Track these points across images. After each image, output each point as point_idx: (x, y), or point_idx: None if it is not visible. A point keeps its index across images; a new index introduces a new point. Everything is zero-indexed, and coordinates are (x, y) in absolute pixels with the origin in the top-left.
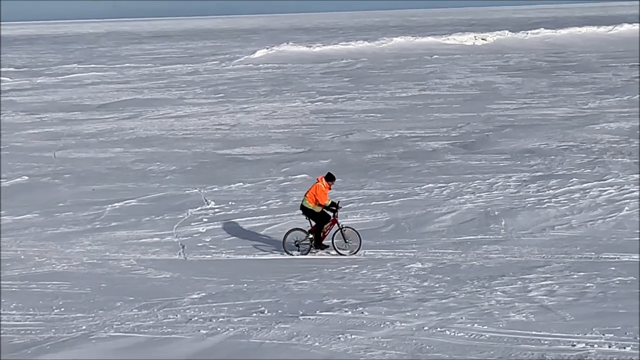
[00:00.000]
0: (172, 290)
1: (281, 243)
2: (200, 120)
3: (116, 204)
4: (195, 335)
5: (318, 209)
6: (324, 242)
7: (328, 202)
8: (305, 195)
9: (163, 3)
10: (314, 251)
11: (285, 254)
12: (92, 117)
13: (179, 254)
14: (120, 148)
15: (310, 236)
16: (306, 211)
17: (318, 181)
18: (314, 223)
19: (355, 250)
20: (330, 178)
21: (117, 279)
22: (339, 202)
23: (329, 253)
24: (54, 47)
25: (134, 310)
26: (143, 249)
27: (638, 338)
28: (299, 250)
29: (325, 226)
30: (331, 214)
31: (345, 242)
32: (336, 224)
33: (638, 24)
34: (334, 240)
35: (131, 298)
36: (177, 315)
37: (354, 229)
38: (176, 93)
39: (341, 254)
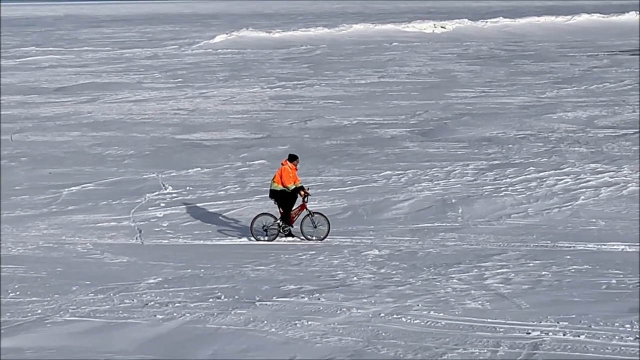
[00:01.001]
0: (128, 275)
1: (248, 228)
2: (158, 104)
3: (73, 188)
4: (151, 320)
5: (288, 190)
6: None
7: (292, 186)
8: (272, 180)
9: None
10: (282, 236)
11: (252, 239)
12: (49, 101)
13: (136, 239)
14: (78, 132)
15: (279, 222)
16: (276, 195)
17: (282, 164)
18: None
19: (324, 235)
20: (292, 158)
21: (73, 263)
22: (308, 187)
23: (292, 238)
24: (11, 30)
25: (90, 295)
26: (100, 233)
27: (592, 326)
28: (266, 236)
29: (294, 211)
30: (300, 198)
31: (315, 227)
32: (305, 209)
33: (596, 15)
34: (303, 227)
35: (87, 282)
36: (133, 300)
37: (322, 214)
38: (134, 77)
39: (308, 239)
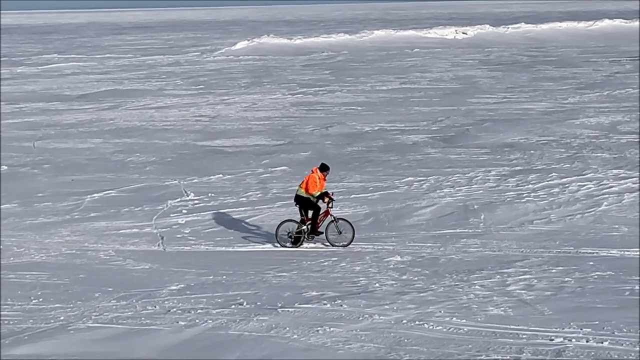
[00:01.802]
0: (150, 282)
1: (273, 234)
2: (180, 111)
3: (95, 195)
4: (173, 327)
5: (314, 200)
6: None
7: (317, 193)
8: (299, 186)
9: None
10: (307, 241)
11: (277, 245)
12: (71, 108)
13: (158, 245)
14: (100, 139)
15: (303, 227)
16: (300, 201)
17: (313, 172)
18: (309, 214)
19: (349, 241)
20: (323, 168)
21: (96, 269)
22: (332, 193)
23: (315, 244)
24: (34, 37)
25: (112, 301)
26: (122, 240)
27: (615, 333)
28: (292, 242)
29: (319, 217)
30: (324, 205)
31: (340, 233)
32: (329, 216)
33: (618, 20)
34: (327, 233)
35: (110, 289)
36: (155, 307)
37: (347, 220)
38: (156, 84)
39: (334, 245)
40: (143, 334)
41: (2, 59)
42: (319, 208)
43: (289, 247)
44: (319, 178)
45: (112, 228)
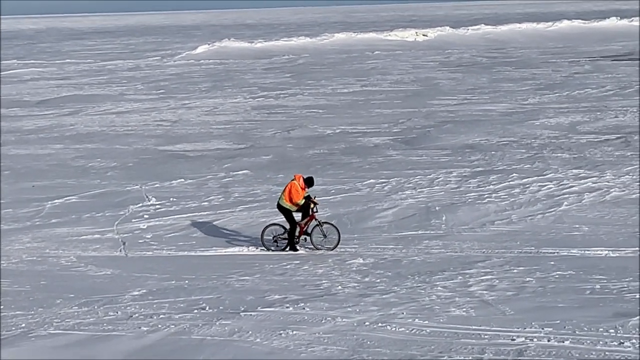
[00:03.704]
0: (112, 287)
1: (259, 239)
2: (141, 116)
3: (56, 201)
4: (135, 332)
5: (294, 208)
6: (301, 235)
7: (301, 201)
8: (282, 193)
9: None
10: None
11: (262, 248)
12: (31, 114)
13: (120, 251)
14: (61, 144)
15: (289, 232)
16: (283, 210)
17: (294, 179)
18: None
19: (335, 244)
20: (309, 183)
21: (57, 276)
22: (315, 197)
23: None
24: None
25: (74, 308)
26: (83, 246)
27: (576, 332)
28: (277, 246)
29: (303, 222)
30: (309, 211)
31: (325, 237)
32: (314, 220)
33: (577, 21)
34: (312, 237)
35: (71, 295)
36: (117, 312)
37: (332, 224)
38: (117, 89)
39: (318, 249)
40: (105, 340)
41: None
42: (296, 224)
43: (274, 250)
44: (301, 188)
45: (73, 234)
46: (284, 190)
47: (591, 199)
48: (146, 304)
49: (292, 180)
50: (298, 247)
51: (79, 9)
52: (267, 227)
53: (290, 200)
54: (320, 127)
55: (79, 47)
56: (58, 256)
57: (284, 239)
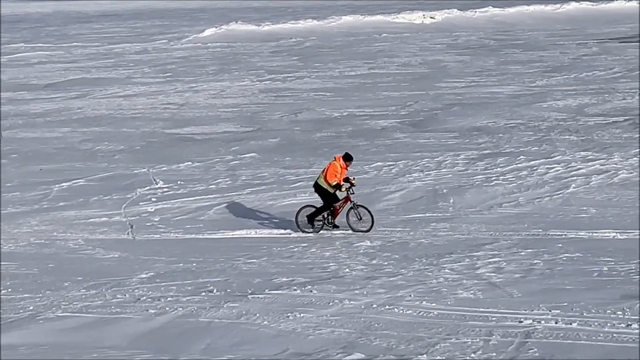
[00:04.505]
0: (120, 270)
1: (294, 221)
2: (148, 99)
3: (64, 184)
4: (143, 315)
5: (332, 190)
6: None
7: (334, 182)
8: (321, 173)
9: None
10: (327, 228)
11: (299, 231)
12: (39, 97)
13: (128, 234)
14: (68, 128)
15: (324, 213)
16: (319, 189)
17: (335, 160)
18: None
19: (369, 227)
20: (347, 158)
21: (65, 259)
22: (353, 178)
23: (308, 232)
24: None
25: (82, 291)
26: (91, 229)
27: (584, 314)
28: (312, 228)
29: (338, 203)
30: (344, 193)
31: (360, 219)
32: (350, 202)
33: (585, 3)
34: (348, 219)
35: (79, 278)
36: (125, 295)
37: (366, 207)
38: (124, 72)
39: (356, 231)
40: (113, 322)
41: None
42: (334, 200)
43: (309, 232)
44: (341, 167)
45: (81, 217)
46: (323, 170)
47: (599, 181)
48: (154, 287)
49: (333, 160)
50: (331, 227)
51: None
52: (301, 208)
53: (325, 180)
54: (328, 110)
55: (85, 31)
56: (66, 239)
57: (319, 220)
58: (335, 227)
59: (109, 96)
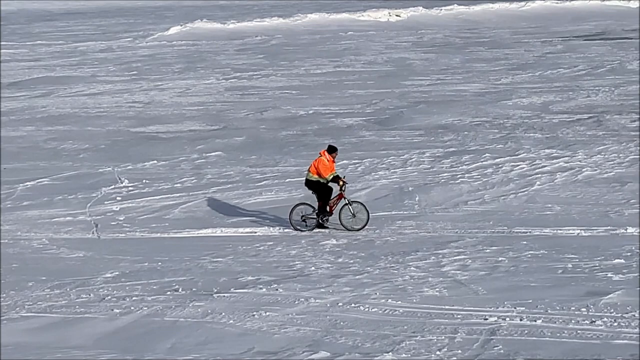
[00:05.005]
0: (85, 270)
1: (287, 219)
2: (113, 98)
3: (28, 183)
4: (108, 315)
5: (323, 180)
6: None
7: (330, 176)
8: (308, 170)
9: None
10: (322, 225)
11: (291, 228)
12: (2, 96)
13: (92, 233)
14: (32, 126)
15: (317, 212)
16: (310, 184)
17: (321, 155)
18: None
19: (364, 224)
20: (331, 150)
21: (29, 258)
22: (344, 176)
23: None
24: None
25: (46, 290)
26: (55, 228)
27: (549, 311)
28: (306, 226)
29: (332, 200)
30: (337, 187)
31: (354, 216)
32: (343, 199)
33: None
34: (341, 216)
35: (43, 278)
36: (90, 295)
37: (361, 203)
38: (89, 70)
39: (349, 229)
40: (77, 322)
41: None
42: (331, 190)
43: (303, 231)
44: (329, 160)
45: (45, 216)
46: (309, 167)
47: (563, 179)
48: (119, 286)
49: (319, 157)
50: (326, 224)
51: None
52: (295, 206)
53: (318, 174)
54: (294, 108)
55: (50, 29)
56: (30, 239)
57: (313, 218)
58: (327, 218)
59: (73, 95)
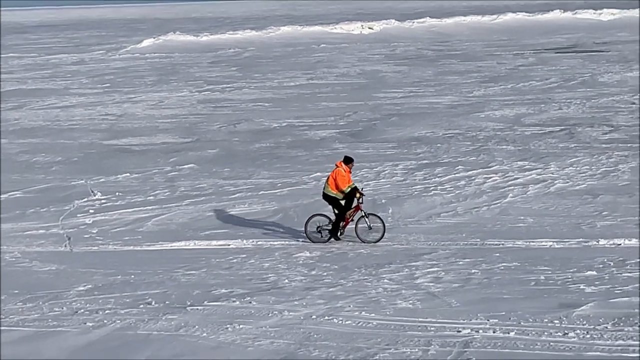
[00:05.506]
0: (57, 283)
1: (303, 230)
2: (86, 110)
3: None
4: (81, 328)
5: (341, 196)
6: (347, 227)
7: (348, 188)
8: (326, 182)
9: None
10: (337, 237)
11: (305, 240)
12: None
13: (65, 246)
14: (5, 139)
15: (338, 225)
16: (328, 199)
17: (337, 166)
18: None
19: (380, 236)
20: (348, 161)
21: (1, 272)
22: (362, 188)
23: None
24: None
25: (18, 304)
26: (28, 242)
27: (521, 323)
28: (321, 237)
29: (349, 212)
30: (355, 201)
31: (370, 229)
32: (360, 211)
33: (522, 14)
34: (357, 229)
35: (16, 291)
36: (62, 308)
37: (377, 215)
38: (61, 83)
39: (365, 242)
40: (50, 336)
41: None
42: (352, 199)
43: (318, 242)
44: (345, 171)
45: (17, 229)
46: (327, 179)
47: (536, 191)
48: (92, 299)
49: (335, 168)
50: (340, 237)
51: (22, 2)
52: (311, 217)
53: (337, 188)
54: (267, 120)
55: (22, 41)
56: (2, 252)
57: (328, 229)
58: (337, 238)
59: (46, 107)
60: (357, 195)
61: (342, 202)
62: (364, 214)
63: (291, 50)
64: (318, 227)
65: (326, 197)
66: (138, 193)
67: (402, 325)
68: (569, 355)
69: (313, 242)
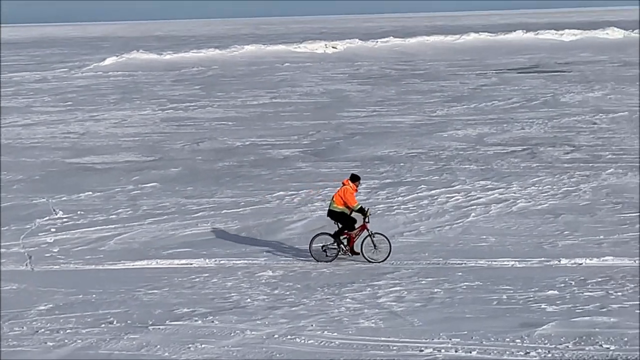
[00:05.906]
0: (18, 302)
1: (307, 249)
2: (48, 128)
3: None
4: (42, 348)
5: (347, 211)
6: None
7: (357, 206)
8: (332, 200)
9: (7, 6)
10: (342, 256)
11: (311, 259)
12: None
13: (26, 265)
14: None
15: (340, 239)
16: (334, 215)
17: (344, 184)
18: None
19: (386, 256)
20: (355, 179)
21: None
22: (368, 209)
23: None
24: None
25: None
26: None
27: (484, 342)
28: (326, 256)
29: (355, 231)
30: (361, 219)
31: (375, 248)
32: (366, 230)
33: (485, 34)
34: (363, 248)
35: None
36: (23, 328)
37: (384, 235)
38: (23, 101)
39: (370, 261)
40: (11, 355)
41: None
42: (354, 220)
43: (323, 261)
44: (352, 189)
45: None
46: (333, 197)
47: (498, 210)
48: (52, 319)
49: (342, 186)
50: (348, 254)
51: None
52: (315, 236)
53: (344, 205)
54: (230, 139)
55: None
56: None
57: (334, 248)
58: (355, 253)
59: (7, 125)
60: (365, 213)
61: (349, 217)
62: (370, 233)
63: (255, 69)
64: (323, 246)
65: (332, 213)
66: (100, 212)
67: (365, 344)
68: None
69: (317, 260)
